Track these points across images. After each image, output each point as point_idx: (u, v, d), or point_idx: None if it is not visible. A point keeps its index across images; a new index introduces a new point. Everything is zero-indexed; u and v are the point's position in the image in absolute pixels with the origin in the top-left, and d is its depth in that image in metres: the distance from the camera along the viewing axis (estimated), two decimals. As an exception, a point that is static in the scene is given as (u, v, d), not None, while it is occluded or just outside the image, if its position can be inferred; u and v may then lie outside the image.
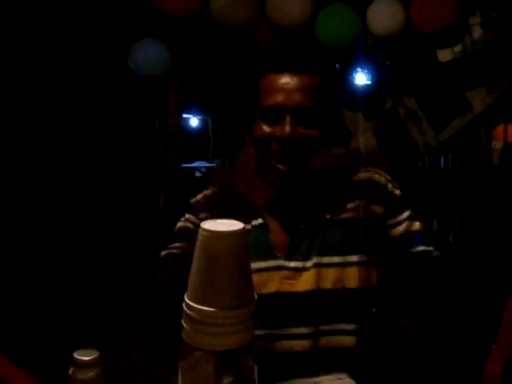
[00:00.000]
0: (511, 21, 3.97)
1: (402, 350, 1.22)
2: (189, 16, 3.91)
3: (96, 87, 4.62)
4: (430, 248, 1.28)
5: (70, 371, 0.77)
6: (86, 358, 0.77)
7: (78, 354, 0.77)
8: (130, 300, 3.87)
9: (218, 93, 6.25)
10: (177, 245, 1.32)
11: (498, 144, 6.33)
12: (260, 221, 1.30)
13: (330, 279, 1.22)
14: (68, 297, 3.93)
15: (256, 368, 0.83)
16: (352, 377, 1.14)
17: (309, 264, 1.24)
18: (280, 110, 1.24)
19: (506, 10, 3.98)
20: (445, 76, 4.22)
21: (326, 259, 1.24)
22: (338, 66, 4.61)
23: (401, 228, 1.28)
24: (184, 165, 6.14)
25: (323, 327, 1.22)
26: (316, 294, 1.22)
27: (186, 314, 0.78)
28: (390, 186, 1.32)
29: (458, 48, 4.13)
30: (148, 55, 4.01)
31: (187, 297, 0.78)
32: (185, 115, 7.51)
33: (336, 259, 1.24)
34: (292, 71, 1.26)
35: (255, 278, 1.18)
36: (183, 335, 0.79)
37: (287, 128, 1.23)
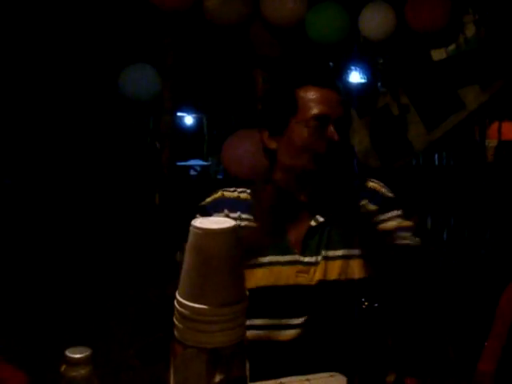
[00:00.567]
0: (504, 19, 3.99)
1: (395, 346, 1.23)
2: (184, 10, 3.90)
3: (90, 86, 4.62)
4: (417, 243, 1.42)
5: (62, 369, 0.77)
6: (77, 356, 0.77)
7: (69, 352, 0.77)
8: (127, 297, 3.88)
9: (213, 91, 6.24)
10: None
11: (492, 142, 6.34)
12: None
13: (335, 271, 1.39)
14: (63, 295, 3.93)
15: (248, 365, 0.83)
16: (345, 371, 1.16)
17: (319, 258, 1.41)
18: (326, 118, 1.42)
19: (499, 8, 3.99)
20: (438, 74, 4.23)
21: (331, 253, 1.41)
22: (331, 64, 4.61)
23: (390, 223, 1.45)
24: (179, 163, 6.15)
25: (317, 318, 1.37)
26: (322, 285, 1.37)
27: (178, 311, 0.78)
28: (383, 190, 1.51)
29: (451, 46, 4.14)
30: (138, 81, 4.02)
31: (179, 294, 0.78)
32: (179, 113, 7.51)
33: (340, 252, 1.41)
34: (329, 87, 1.46)
35: (274, 269, 1.39)
36: (175, 333, 0.79)
37: (335, 134, 1.41)
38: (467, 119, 4.35)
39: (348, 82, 4.73)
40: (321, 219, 1.45)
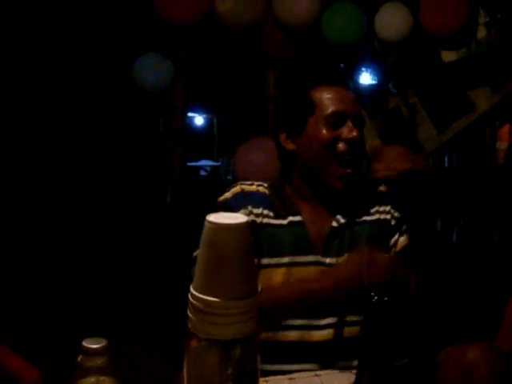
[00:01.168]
0: (515, 21, 3.98)
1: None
2: (195, 23, 3.92)
3: (101, 87, 4.65)
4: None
5: (79, 359, 0.80)
6: (94, 346, 0.79)
7: (86, 342, 0.80)
8: (138, 295, 3.91)
9: (224, 92, 6.26)
10: None
11: (502, 145, 6.33)
12: (298, 218, 1.45)
13: None
14: (74, 293, 3.95)
15: (259, 358, 0.85)
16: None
17: (340, 260, 1.41)
18: (344, 115, 1.43)
19: (511, 10, 3.99)
20: (449, 76, 4.23)
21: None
22: (342, 65, 4.62)
23: (402, 240, 1.48)
24: (189, 163, 6.17)
25: (348, 318, 1.39)
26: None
27: (192, 304, 0.80)
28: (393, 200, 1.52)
29: (462, 48, 4.14)
30: (151, 70, 4.05)
31: (193, 287, 0.80)
32: (190, 114, 7.54)
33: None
34: (343, 86, 1.50)
35: (297, 270, 1.39)
36: (189, 325, 0.81)
37: (355, 131, 1.42)
38: (477, 121, 4.35)
39: (359, 83, 4.73)
40: (342, 220, 1.45)
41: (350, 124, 1.43)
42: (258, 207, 1.44)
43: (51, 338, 3.25)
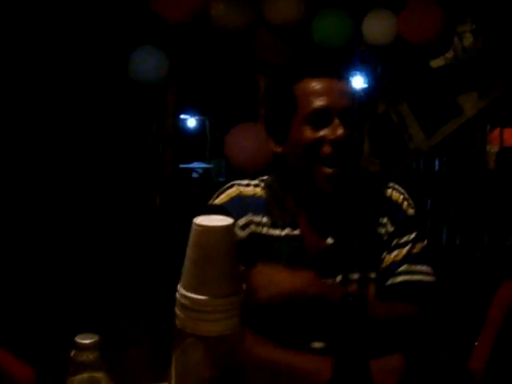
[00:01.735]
0: (502, 28, 4.05)
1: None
2: (189, 22, 3.96)
3: (94, 88, 4.66)
4: (424, 270, 1.31)
5: (72, 354, 0.83)
6: (86, 341, 0.83)
7: (79, 338, 0.83)
8: (127, 299, 3.92)
9: (216, 94, 6.29)
10: None
11: (493, 148, 6.39)
12: (296, 232, 1.33)
13: None
14: (67, 294, 3.96)
15: (243, 354, 0.89)
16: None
17: (335, 281, 1.29)
18: (327, 112, 1.26)
19: (497, 18, 4.05)
20: (437, 81, 4.29)
21: (348, 276, 1.30)
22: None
23: (403, 251, 1.32)
24: (181, 165, 6.18)
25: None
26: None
27: (179, 302, 0.84)
28: (405, 204, 1.36)
29: (449, 54, 4.22)
30: (147, 62, 4.08)
31: (180, 286, 0.84)
32: (182, 116, 7.56)
33: (355, 276, 1.30)
34: (331, 76, 1.29)
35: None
36: (176, 322, 0.85)
37: (340, 129, 1.24)
38: (467, 125, 4.41)
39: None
40: (337, 235, 1.32)
41: (336, 122, 1.25)
42: (257, 214, 1.34)
43: (45, 335, 3.27)
